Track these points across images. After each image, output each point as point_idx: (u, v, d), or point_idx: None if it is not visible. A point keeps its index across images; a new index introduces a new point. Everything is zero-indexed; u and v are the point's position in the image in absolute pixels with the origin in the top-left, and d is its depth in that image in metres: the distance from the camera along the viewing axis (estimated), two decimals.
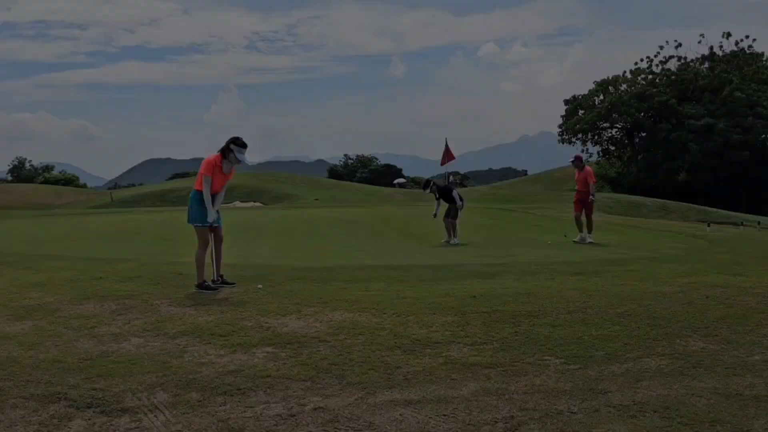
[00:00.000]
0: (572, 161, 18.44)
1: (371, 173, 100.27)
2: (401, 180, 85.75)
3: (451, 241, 17.29)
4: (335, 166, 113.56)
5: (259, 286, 9.44)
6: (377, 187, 72.62)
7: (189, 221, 9.53)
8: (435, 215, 18.87)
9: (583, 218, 18.05)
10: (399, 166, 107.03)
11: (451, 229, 17.65)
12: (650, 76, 66.52)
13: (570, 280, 10.11)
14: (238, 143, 9.41)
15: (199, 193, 9.41)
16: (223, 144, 9.49)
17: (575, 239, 17.99)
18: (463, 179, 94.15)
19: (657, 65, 67.58)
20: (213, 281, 9.55)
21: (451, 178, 70.53)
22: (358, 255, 14.41)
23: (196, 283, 9.49)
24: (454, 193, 18.37)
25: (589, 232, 17.96)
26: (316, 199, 49.56)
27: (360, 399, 5.32)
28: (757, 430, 4.69)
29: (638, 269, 11.44)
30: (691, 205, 38.68)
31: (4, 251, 15.26)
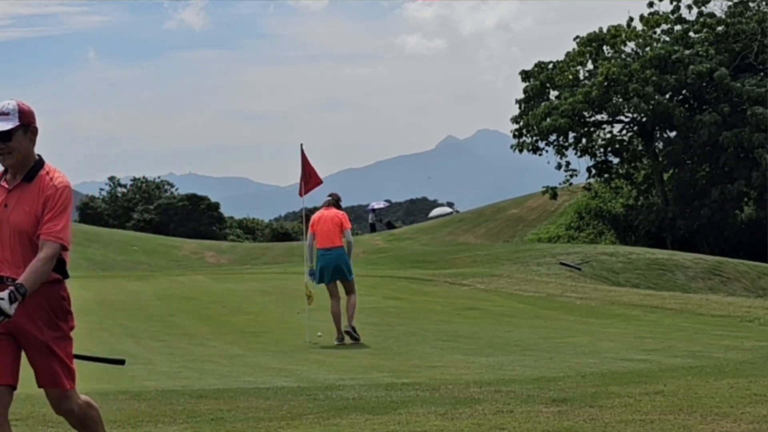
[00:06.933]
0: None
1: (162, 211, 63.01)
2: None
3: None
4: (93, 198, 75.07)
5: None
6: (172, 239, 45.99)
7: (348, 277, 11.27)
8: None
9: None
10: (213, 198, 62.95)
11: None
12: (678, 28, 41.74)
13: (543, 415, 6.71)
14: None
15: (342, 248, 11.17)
16: (335, 200, 11.70)
17: None
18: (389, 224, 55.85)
19: (690, 7, 41.71)
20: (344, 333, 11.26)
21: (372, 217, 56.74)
22: (135, 371, 9.55)
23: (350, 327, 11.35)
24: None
25: None
26: None
27: None
28: None
29: (672, 391, 7.90)
30: (765, 264, 28.17)
31: None
